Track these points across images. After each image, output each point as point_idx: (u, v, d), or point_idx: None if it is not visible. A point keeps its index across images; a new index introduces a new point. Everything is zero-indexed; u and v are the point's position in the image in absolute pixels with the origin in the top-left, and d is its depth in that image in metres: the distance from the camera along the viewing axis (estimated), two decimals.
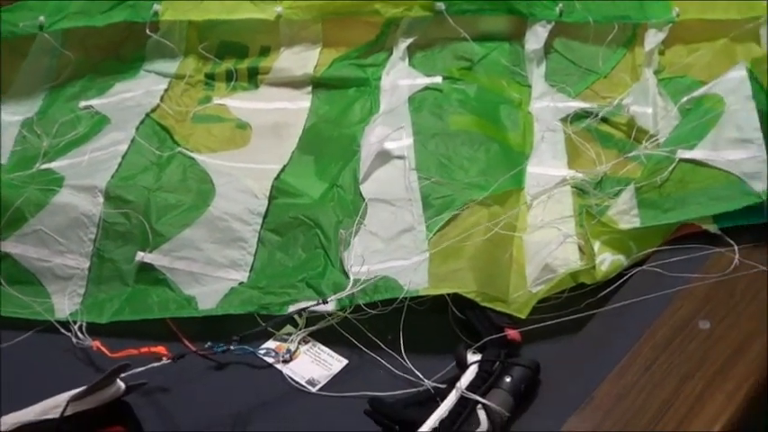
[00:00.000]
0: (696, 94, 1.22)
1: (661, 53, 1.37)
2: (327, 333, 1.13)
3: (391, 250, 1.14)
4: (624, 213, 1.13)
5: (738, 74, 1.19)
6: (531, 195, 1.21)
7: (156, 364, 1.05)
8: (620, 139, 1.28)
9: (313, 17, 1.40)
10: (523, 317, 1.06)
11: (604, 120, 1.31)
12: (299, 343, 1.13)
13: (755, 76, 1.18)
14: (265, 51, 1.43)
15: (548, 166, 1.23)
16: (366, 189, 1.19)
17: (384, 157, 1.23)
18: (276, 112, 1.37)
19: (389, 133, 1.23)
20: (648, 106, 1.28)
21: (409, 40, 1.40)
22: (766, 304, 1.05)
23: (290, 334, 1.13)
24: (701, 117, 1.17)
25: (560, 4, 1.38)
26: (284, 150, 1.30)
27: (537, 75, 1.36)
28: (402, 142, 1.24)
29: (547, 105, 1.32)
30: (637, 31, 1.40)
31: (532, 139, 1.28)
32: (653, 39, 1.37)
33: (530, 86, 1.38)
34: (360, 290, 1.08)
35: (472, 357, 1.01)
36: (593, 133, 1.28)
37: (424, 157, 1.23)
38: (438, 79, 1.34)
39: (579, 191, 1.21)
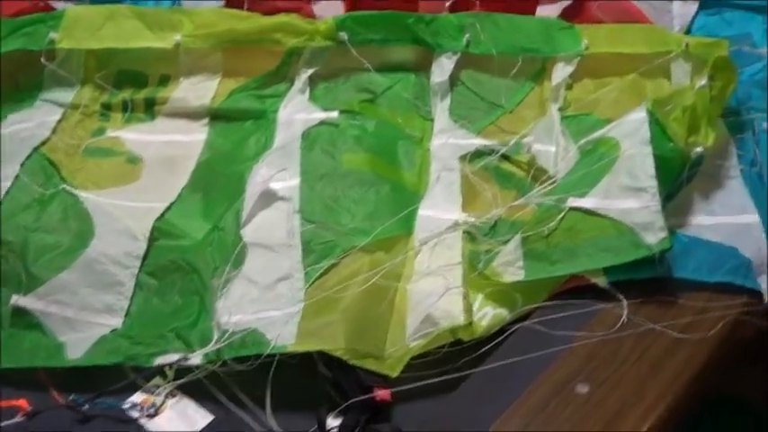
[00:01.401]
0: (595, 135, 1.16)
1: (569, 87, 1.31)
2: (196, 387, 1.08)
3: (267, 299, 1.09)
4: (509, 265, 1.08)
5: (638, 116, 1.13)
6: (420, 241, 1.14)
7: (10, 422, 1.00)
8: (520, 179, 1.22)
9: (212, 46, 1.33)
10: (394, 375, 0.99)
11: (506, 158, 1.24)
12: (166, 396, 1.07)
13: (657, 118, 1.12)
14: (165, 81, 1.36)
15: (439, 209, 1.17)
16: (247, 232, 1.13)
17: (268, 198, 1.17)
18: (170, 146, 1.31)
19: (273, 174, 1.16)
20: (552, 144, 1.22)
21: (311, 71, 1.34)
22: (651, 366, 0.98)
23: (158, 386, 1.07)
24: (595, 162, 1.11)
25: (467, 35, 1.31)
26: (173, 187, 1.25)
27: (440, 109, 1.30)
28: (288, 183, 1.18)
29: (446, 142, 1.26)
30: (546, 64, 1.33)
31: (428, 179, 1.21)
32: (560, 72, 1.31)
33: (433, 121, 1.30)
34: (226, 344, 1.01)
35: (333, 422, 0.95)
36: (491, 173, 1.22)
37: (309, 199, 1.17)
38: (334, 114, 1.28)
39: (471, 236, 1.14)
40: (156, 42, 1.33)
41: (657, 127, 1.12)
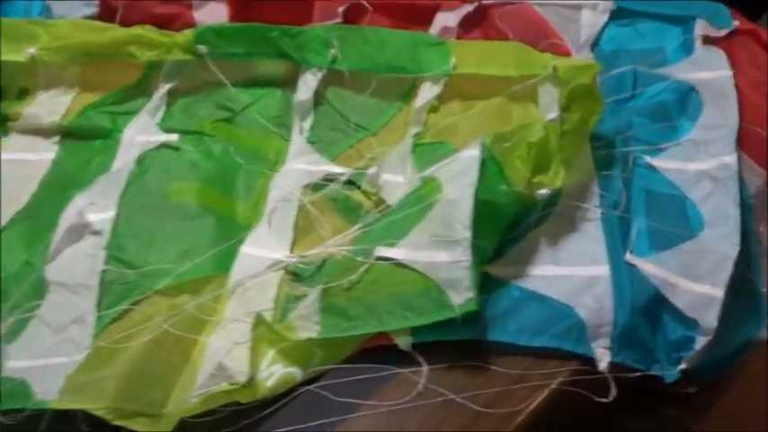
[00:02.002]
0: (426, 173, 1.03)
1: (435, 110, 1.18)
2: None
3: (58, 345, 1.01)
4: (305, 319, 0.98)
5: (470, 154, 1.00)
6: (234, 282, 1.03)
7: None
8: (368, 211, 1.09)
9: (69, 59, 1.25)
10: None
11: (358, 187, 1.12)
12: None
13: (494, 156, 0.99)
14: (23, 95, 1.28)
15: (264, 246, 1.07)
16: (52, 269, 1.05)
17: (80, 231, 1.08)
18: (17, 165, 1.24)
19: (86, 204, 1.08)
20: (401, 174, 1.10)
21: (169, 86, 1.24)
22: None
23: None
24: (412, 206, 1.00)
25: (332, 50, 1.19)
26: (8, 211, 1.16)
27: (299, 130, 1.19)
28: (105, 214, 1.08)
29: (294, 168, 1.14)
30: (416, 83, 1.19)
31: (264, 211, 1.10)
32: (426, 93, 1.19)
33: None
34: None
35: None
36: (338, 204, 1.11)
37: (122, 234, 1.08)
38: (174, 137, 1.18)
39: (296, 277, 1.03)
40: (10, 55, 1.24)
41: (493, 166, 1.00)
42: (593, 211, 1.06)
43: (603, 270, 1.01)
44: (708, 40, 1.25)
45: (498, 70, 1.16)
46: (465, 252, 0.94)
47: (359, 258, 0.97)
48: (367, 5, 1.31)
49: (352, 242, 1.03)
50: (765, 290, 1.08)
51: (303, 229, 1.10)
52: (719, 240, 1.04)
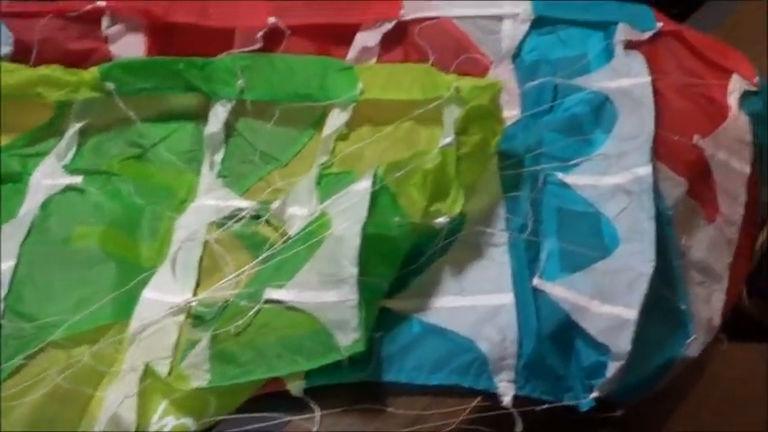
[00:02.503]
0: (320, 207, 1.00)
1: (344, 138, 1.14)
2: None
3: None
4: (196, 367, 0.95)
5: (361, 186, 0.96)
6: (134, 330, 1.00)
7: None
8: (274, 244, 1.06)
9: None
10: None
11: (267, 221, 1.08)
12: None
13: (387, 186, 0.95)
14: None
15: (166, 290, 1.03)
16: None
17: None
18: None
19: None
20: (307, 207, 1.07)
21: (79, 125, 1.21)
22: None
23: None
24: (301, 244, 0.96)
25: (240, 80, 1.16)
26: None
27: (211, 164, 1.15)
28: (4, 264, 1.06)
29: (204, 204, 1.11)
30: (326, 110, 1.15)
31: (169, 252, 1.07)
32: (335, 120, 1.15)
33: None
34: None
35: None
36: (245, 241, 1.07)
37: (21, 284, 1.06)
38: (78, 179, 1.15)
39: (196, 320, 1.01)
40: None
41: (387, 197, 0.96)
42: (500, 235, 1.02)
43: (507, 298, 0.97)
44: (630, 45, 1.19)
45: (404, 94, 1.12)
46: (352, 290, 0.90)
47: (243, 303, 0.93)
48: (284, 29, 1.26)
49: (244, 284, 0.98)
50: (687, 306, 1.02)
51: (208, 270, 1.06)
52: (634, 257, 1.00)
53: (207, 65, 1.19)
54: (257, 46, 1.30)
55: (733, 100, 1.16)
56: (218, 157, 1.19)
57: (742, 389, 1.48)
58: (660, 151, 1.08)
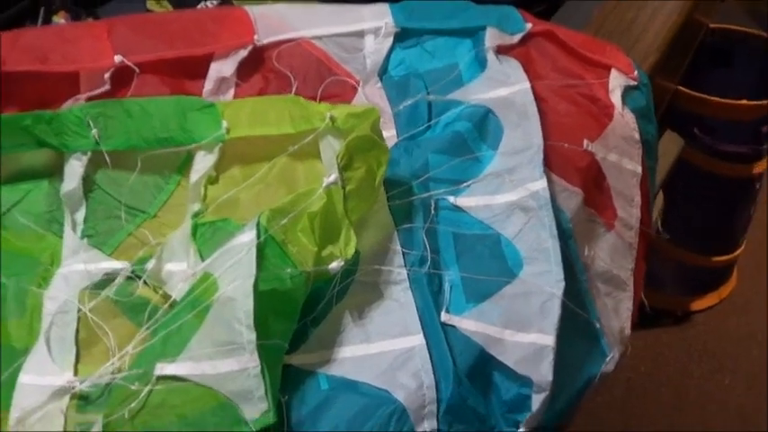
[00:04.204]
0: (202, 267, 0.90)
1: (214, 181, 1.04)
2: None
3: None
4: None
5: (244, 238, 0.87)
6: (16, 419, 0.89)
7: None
8: (156, 307, 0.95)
9: None
10: None
11: (145, 282, 0.97)
12: None
13: (272, 236, 0.86)
14: None
15: (43, 371, 0.91)
16: None
17: None
18: None
19: None
20: (185, 261, 0.96)
21: None
22: None
23: None
24: (188, 311, 0.86)
25: (94, 130, 1.04)
26: None
27: (72, 224, 1.04)
28: None
29: (72, 270, 1.00)
30: (192, 153, 1.05)
31: (40, 329, 0.96)
32: (202, 164, 1.05)
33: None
34: None
35: None
36: (120, 305, 0.96)
37: None
38: None
39: (82, 401, 0.89)
40: None
41: (274, 247, 0.87)
42: (399, 272, 0.94)
43: (417, 340, 0.90)
44: (501, 50, 1.13)
45: (274, 129, 1.04)
46: (252, 357, 0.82)
47: (133, 387, 0.83)
48: (133, 66, 1.16)
49: (131, 360, 0.88)
50: (598, 321, 0.97)
51: (86, 342, 0.96)
52: (542, 278, 0.94)
53: (54, 118, 1.09)
54: (105, 88, 1.19)
55: (616, 97, 1.11)
56: (80, 215, 1.08)
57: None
58: (552, 162, 1.03)
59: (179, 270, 0.99)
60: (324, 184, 0.91)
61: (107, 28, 1.18)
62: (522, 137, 1.04)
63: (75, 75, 1.20)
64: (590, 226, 1.05)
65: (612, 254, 1.06)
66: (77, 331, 0.97)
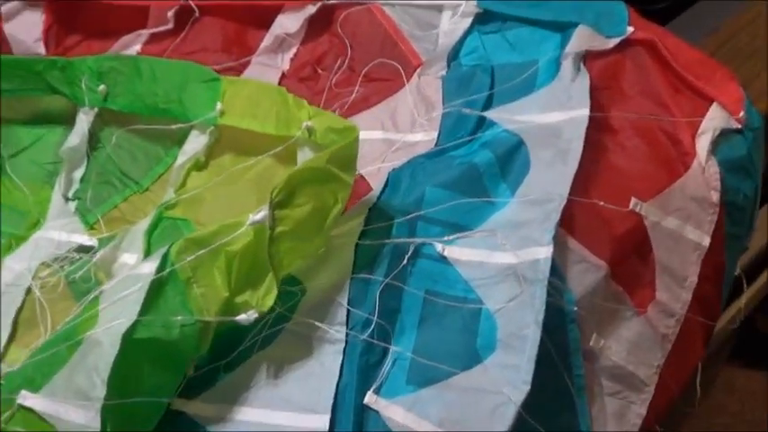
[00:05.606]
0: (97, 292, 0.80)
1: (201, 167, 0.93)
2: None
3: None
4: None
5: (145, 270, 0.77)
6: None
7: None
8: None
9: None
10: None
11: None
12: None
13: (176, 273, 0.76)
14: None
15: None
16: None
17: None
18: None
19: None
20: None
21: None
22: None
23: None
24: (63, 341, 0.79)
25: (102, 86, 0.97)
26: None
27: (68, 182, 0.98)
28: None
29: (45, 236, 0.94)
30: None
31: None
32: (193, 144, 0.94)
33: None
34: None
35: None
36: (73, 287, 0.90)
37: None
38: None
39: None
40: None
41: (175, 286, 0.76)
42: (337, 330, 0.79)
43: (320, 423, 0.75)
44: (590, 56, 0.91)
45: (258, 125, 0.90)
46: (95, 418, 0.71)
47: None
48: (194, 8, 1.07)
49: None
50: (589, 428, 0.78)
51: (27, 323, 0.89)
52: (507, 373, 0.76)
53: (68, 66, 1.03)
54: (169, 26, 1.16)
55: (702, 143, 0.86)
56: (78, 173, 1.00)
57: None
58: (576, 223, 0.82)
59: (132, 263, 0.88)
60: (248, 221, 0.76)
61: None
62: (548, 183, 0.83)
63: (143, 10, 1.16)
64: (611, 308, 0.83)
65: (634, 346, 0.85)
66: (20, 309, 0.89)
